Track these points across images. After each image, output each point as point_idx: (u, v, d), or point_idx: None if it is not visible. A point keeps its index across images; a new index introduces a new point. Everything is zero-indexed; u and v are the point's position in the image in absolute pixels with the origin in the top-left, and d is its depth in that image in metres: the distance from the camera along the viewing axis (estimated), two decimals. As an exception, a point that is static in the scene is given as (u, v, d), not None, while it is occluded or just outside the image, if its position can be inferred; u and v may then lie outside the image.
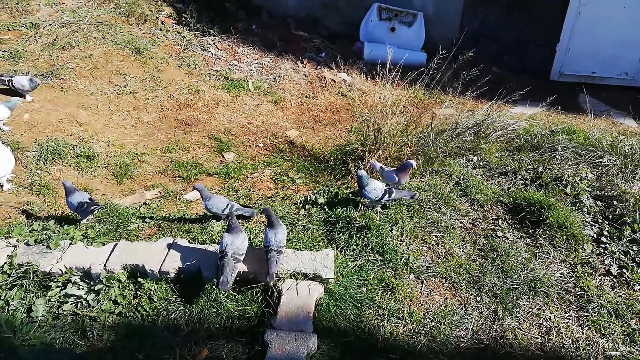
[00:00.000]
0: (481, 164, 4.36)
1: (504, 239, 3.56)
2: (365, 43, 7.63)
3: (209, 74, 6.59)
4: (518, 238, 3.57)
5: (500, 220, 3.71)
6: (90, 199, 3.58)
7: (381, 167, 3.90)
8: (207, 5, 7.66)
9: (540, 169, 4.16)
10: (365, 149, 4.92)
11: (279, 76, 6.91)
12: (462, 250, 3.45)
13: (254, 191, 4.56)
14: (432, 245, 3.46)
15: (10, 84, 4.85)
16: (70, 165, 4.43)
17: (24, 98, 4.93)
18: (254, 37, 7.56)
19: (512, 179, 4.14)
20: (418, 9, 7.62)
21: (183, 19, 7.30)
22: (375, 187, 3.58)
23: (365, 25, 7.83)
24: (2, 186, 3.98)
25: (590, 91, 7.03)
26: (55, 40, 5.99)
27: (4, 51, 5.69)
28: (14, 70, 5.39)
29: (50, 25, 6.18)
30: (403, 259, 3.29)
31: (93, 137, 4.88)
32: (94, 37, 6.18)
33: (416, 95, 6.68)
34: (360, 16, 7.79)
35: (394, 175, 3.75)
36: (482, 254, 3.44)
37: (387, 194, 3.58)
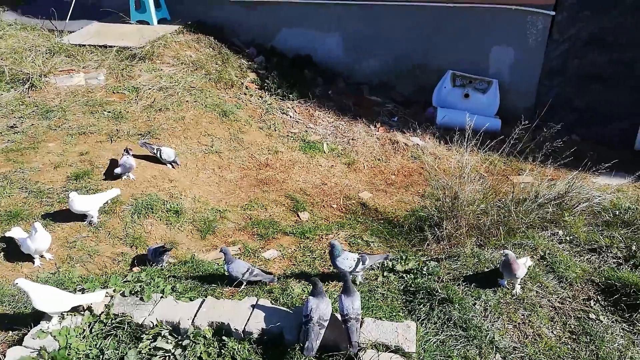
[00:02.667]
0: (567, 238, 4.18)
1: (597, 321, 3.34)
2: (438, 108, 7.75)
3: (287, 136, 6.93)
4: (613, 322, 3.34)
5: (592, 301, 3.50)
6: (162, 246, 4.08)
7: (507, 255, 3.49)
8: (287, 72, 8.17)
9: (634, 247, 3.92)
10: (442, 216, 4.88)
11: (352, 139, 7.13)
12: (551, 332, 3.27)
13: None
14: (519, 323, 3.31)
15: (159, 154, 5.41)
16: (160, 220, 4.74)
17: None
18: (330, 102, 7.91)
19: (603, 257, 3.92)
20: (493, 77, 7.69)
21: (265, 84, 7.81)
22: (347, 257, 3.58)
23: (439, 91, 7.98)
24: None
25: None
26: (153, 102, 6.60)
27: (109, 112, 6.33)
28: (117, 129, 5.96)
29: (149, 89, 6.83)
30: (488, 336, 3.17)
31: (181, 193, 5.22)
32: (187, 101, 6.75)
33: (492, 163, 6.61)
34: (433, 83, 7.97)
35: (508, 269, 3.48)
36: (574, 337, 3.23)
37: (361, 262, 3.60)
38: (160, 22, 8.53)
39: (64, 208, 4.59)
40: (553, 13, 6.77)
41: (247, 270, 3.62)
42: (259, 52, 8.63)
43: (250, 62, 8.32)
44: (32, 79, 6.67)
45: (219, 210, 5.22)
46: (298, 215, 5.42)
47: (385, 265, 4.04)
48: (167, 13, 8.67)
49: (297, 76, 8.19)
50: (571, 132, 7.43)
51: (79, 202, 4.34)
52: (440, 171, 5.87)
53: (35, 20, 8.47)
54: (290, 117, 7.43)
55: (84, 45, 7.69)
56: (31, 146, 5.48)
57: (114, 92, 6.79)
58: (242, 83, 7.74)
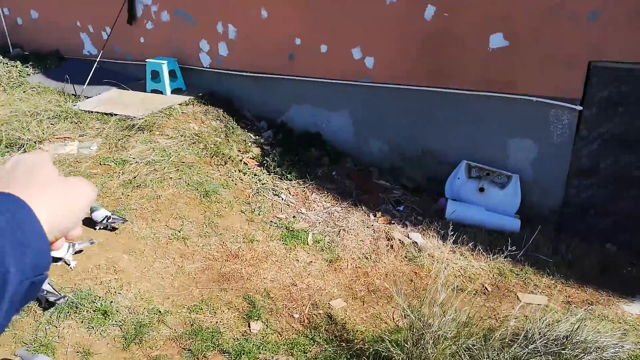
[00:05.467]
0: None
1: None
2: (449, 201, 6.92)
3: (271, 221, 6.38)
4: None
5: None
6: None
7: None
8: (293, 149, 7.76)
9: None
10: (404, 353, 4.03)
11: (343, 229, 6.44)
12: None
13: (259, 386, 3.90)
14: None
15: (105, 220, 5.29)
16: (82, 322, 4.28)
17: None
18: (331, 184, 7.33)
19: None
20: (513, 171, 6.79)
21: (265, 161, 7.41)
22: None
23: (452, 182, 7.17)
24: None
25: None
26: (135, 177, 6.36)
27: (87, 186, 6.14)
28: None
29: (136, 162, 6.64)
30: None
31: (123, 287, 4.77)
32: (170, 177, 6.46)
33: (502, 272, 5.68)
34: (447, 171, 7.19)
35: None
36: None
37: None
38: (174, 92, 8.53)
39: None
40: (580, 108, 5.87)
41: None
42: (269, 127, 8.35)
43: (257, 137, 8.02)
44: (27, 145, 6.72)
45: (160, 312, 4.68)
46: (249, 325, 4.76)
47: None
48: (182, 83, 8.69)
49: (302, 154, 7.75)
50: (606, 240, 6.32)
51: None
52: (429, 281, 5.04)
53: (59, 84, 8.78)
54: (282, 199, 6.91)
55: (92, 112, 7.78)
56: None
57: (100, 164, 6.66)
58: (241, 159, 7.40)
